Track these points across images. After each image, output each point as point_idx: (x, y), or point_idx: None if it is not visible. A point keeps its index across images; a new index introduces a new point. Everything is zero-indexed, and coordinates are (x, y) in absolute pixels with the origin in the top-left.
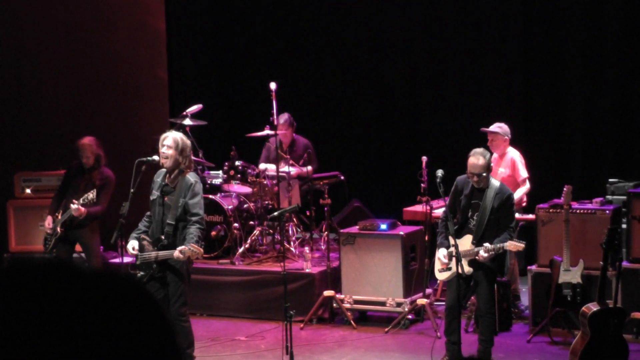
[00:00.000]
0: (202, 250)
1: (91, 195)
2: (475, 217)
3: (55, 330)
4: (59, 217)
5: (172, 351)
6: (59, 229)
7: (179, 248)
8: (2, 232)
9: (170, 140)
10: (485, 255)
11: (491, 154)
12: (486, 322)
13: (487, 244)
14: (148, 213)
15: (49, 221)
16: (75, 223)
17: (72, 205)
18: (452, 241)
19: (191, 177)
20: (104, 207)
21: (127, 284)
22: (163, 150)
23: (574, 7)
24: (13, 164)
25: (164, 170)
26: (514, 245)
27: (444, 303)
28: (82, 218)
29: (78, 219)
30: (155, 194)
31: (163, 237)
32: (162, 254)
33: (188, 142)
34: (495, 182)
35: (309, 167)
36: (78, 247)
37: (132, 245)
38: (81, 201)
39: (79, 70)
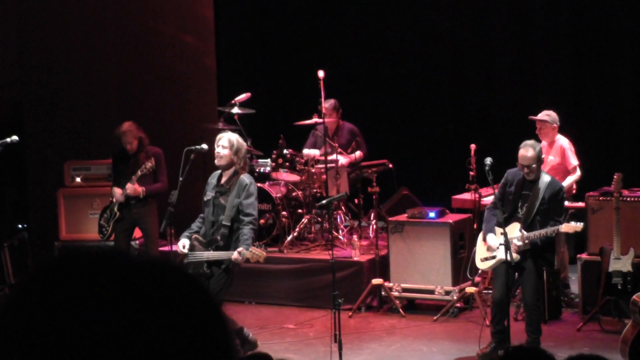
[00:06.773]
0: (264, 253)
1: (149, 164)
2: (524, 208)
3: (106, 321)
4: (114, 201)
5: (226, 343)
6: (116, 209)
7: (238, 249)
8: (53, 221)
9: (226, 140)
10: (532, 236)
11: (540, 141)
12: (532, 315)
13: (538, 231)
14: (201, 215)
15: (118, 190)
16: (133, 203)
17: (128, 185)
18: (500, 230)
19: (246, 178)
20: (164, 183)
21: (180, 275)
22: (218, 150)
23: None
24: (62, 153)
25: (218, 172)
26: (570, 227)
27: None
28: (142, 196)
29: (137, 198)
30: (209, 195)
31: (219, 238)
32: (214, 254)
33: (244, 143)
34: (546, 176)
35: (359, 153)
36: (137, 233)
37: (183, 243)
38: (139, 173)
39: (127, 59)
